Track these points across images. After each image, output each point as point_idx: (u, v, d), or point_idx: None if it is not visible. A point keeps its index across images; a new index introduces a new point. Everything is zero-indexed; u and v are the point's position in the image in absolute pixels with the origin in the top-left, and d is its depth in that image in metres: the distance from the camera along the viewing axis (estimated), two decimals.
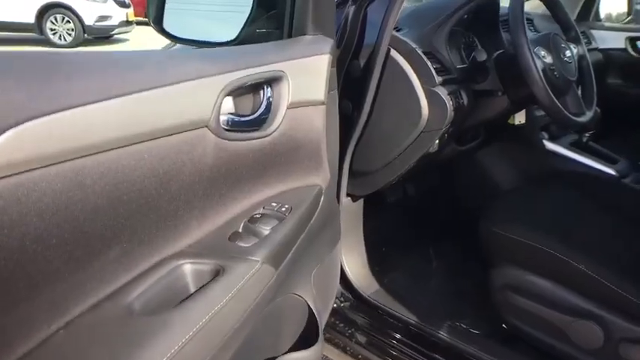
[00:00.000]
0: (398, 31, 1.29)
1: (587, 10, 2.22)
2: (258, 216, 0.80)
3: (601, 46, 2.20)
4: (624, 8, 2.32)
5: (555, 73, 1.28)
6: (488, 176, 1.73)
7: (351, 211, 1.44)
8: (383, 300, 1.43)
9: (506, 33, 1.63)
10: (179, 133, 0.63)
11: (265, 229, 0.78)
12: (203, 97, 0.67)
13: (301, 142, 0.90)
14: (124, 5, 8.58)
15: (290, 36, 0.98)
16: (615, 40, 2.18)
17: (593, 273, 1.10)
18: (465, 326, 1.39)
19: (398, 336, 1.32)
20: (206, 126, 0.67)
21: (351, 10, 1.22)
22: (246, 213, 0.81)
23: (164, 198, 0.62)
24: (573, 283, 1.15)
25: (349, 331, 1.38)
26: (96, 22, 8.08)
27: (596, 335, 1.11)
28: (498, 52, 1.39)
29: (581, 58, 1.43)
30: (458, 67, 1.36)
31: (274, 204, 0.85)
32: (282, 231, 0.79)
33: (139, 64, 0.63)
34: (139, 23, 9.11)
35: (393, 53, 1.22)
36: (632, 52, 2.17)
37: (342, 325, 1.40)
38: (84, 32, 8.05)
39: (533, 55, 1.21)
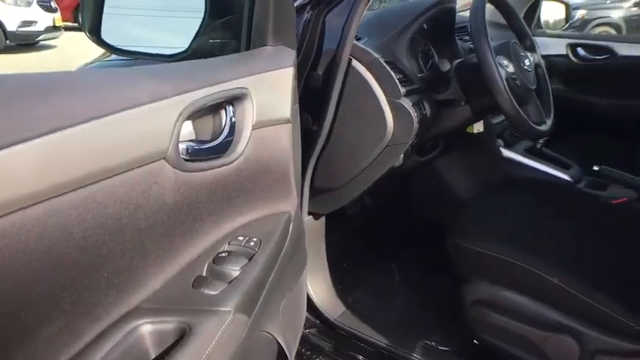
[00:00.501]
0: (358, 39, 1.22)
1: (530, 17, 2.27)
2: (224, 255, 0.70)
3: (544, 53, 2.24)
4: (562, 15, 2.39)
5: (517, 82, 1.26)
6: (447, 185, 1.71)
7: (313, 230, 1.36)
8: (349, 322, 1.36)
9: (462, 41, 1.61)
10: (131, 170, 0.52)
11: (234, 270, 0.68)
12: (159, 124, 0.56)
13: (268, 165, 0.80)
14: (50, 10, 8.02)
15: (248, 47, 0.88)
16: (557, 47, 2.24)
17: (567, 286, 1.09)
18: (434, 344, 1.35)
19: None
20: (164, 158, 0.57)
21: (309, 17, 1.14)
22: (211, 251, 0.71)
23: (116, 250, 0.51)
24: (547, 297, 1.13)
25: (317, 359, 1.30)
26: (19, 27, 7.50)
27: (571, 349, 1.09)
28: (458, 60, 1.36)
29: (537, 66, 1.43)
30: (418, 76, 1.32)
31: (241, 238, 0.75)
32: (253, 271, 0.70)
33: (74, 88, 0.51)
34: (67, 29, 8.56)
35: (355, 63, 1.15)
36: (573, 58, 2.23)
37: (308, 352, 1.31)
38: (6, 39, 7.45)
39: (497, 64, 1.18)
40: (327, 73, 1.14)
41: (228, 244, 0.74)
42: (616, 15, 7.12)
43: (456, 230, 1.30)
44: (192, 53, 0.88)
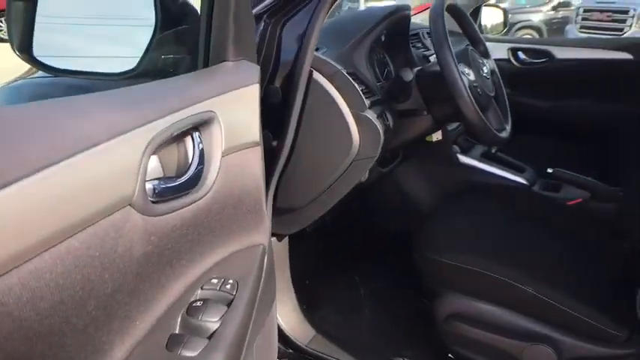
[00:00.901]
0: (316, 50, 1.16)
1: None
2: (198, 304, 0.61)
3: None
4: (501, 20, 2.45)
5: (478, 89, 1.25)
6: (408, 195, 1.69)
7: (277, 252, 1.28)
8: (320, 347, 1.30)
9: (415, 49, 1.59)
10: (91, 225, 0.42)
11: (212, 322, 0.59)
12: (121, 164, 0.47)
13: (240, 195, 0.72)
14: None
15: (207, 64, 0.79)
16: (499, 51, 2.29)
17: (542, 295, 1.08)
18: None
19: None
20: (129, 204, 0.47)
21: (265, 27, 1.06)
22: (183, 300, 0.61)
23: (78, 326, 0.41)
24: (523, 308, 1.11)
25: None
26: None
27: (549, 357, 1.08)
28: (418, 69, 1.33)
29: (492, 72, 1.43)
30: (378, 85, 1.28)
31: (215, 280, 0.66)
32: (234, 320, 0.61)
33: (9, 130, 0.40)
34: None
35: (316, 76, 1.09)
36: (515, 63, 2.29)
37: None
38: None
39: (460, 72, 1.16)
40: (287, 87, 1.07)
41: (201, 288, 0.65)
42: (536, 18, 7.55)
43: (423, 242, 1.27)
44: (142, 71, 0.78)
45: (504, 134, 1.31)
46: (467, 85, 1.16)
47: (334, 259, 1.77)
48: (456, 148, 1.68)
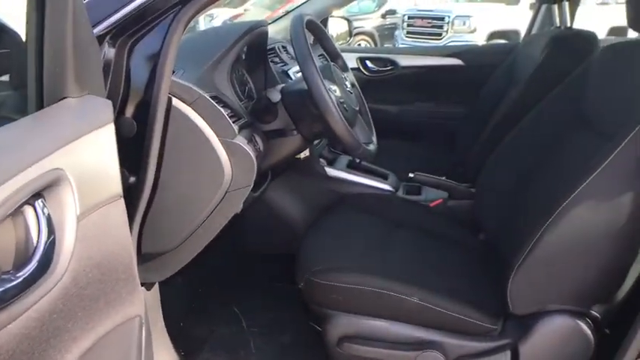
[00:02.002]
0: (172, 74, 1.04)
1: None
2: None
3: None
4: (346, 29, 2.54)
5: (345, 105, 1.24)
6: (280, 215, 1.63)
7: (147, 304, 1.12)
8: None
9: (274, 64, 1.55)
10: None
11: None
12: None
13: (106, 264, 0.59)
14: None
15: (41, 104, 0.63)
16: (348, 61, 2.36)
17: (426, 303, 1.10)
18: None
19: None
20: None
21: (110, 51, 0.90)
22: None
23: None
24: (411, 317, 1.13)
25: None
26: None
27: None
28: (282, 86, 1.28)
29: (353, 85, 1.45)
30: (242, 105, 1.20)
31: None
32: None
33: None
34: None
35: (176, 103, 0.97)
36: (364, 71, 2.39)
37: None
38: None
39: (327, 89, 1.14)
40: (143, 118, 0.93)
41: None
42: (368, 25, 8.12)
43: (303, 266, 1.22)
44: None
45: (372, 147, 1.33)
46: (335, 102, 1.14)
47: (211, 294, 1.65)
48: (322, 161, 1.68)
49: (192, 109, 0.98)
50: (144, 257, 1.04)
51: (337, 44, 2.45)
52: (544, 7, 2.25)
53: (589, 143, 1.15)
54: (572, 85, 1.32)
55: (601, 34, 5.27)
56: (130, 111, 0.93)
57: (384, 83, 2.38)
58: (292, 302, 1.49)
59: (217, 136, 1.00)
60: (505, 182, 1.38)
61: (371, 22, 8.22)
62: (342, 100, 1.23)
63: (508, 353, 1.08)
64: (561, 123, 1.30)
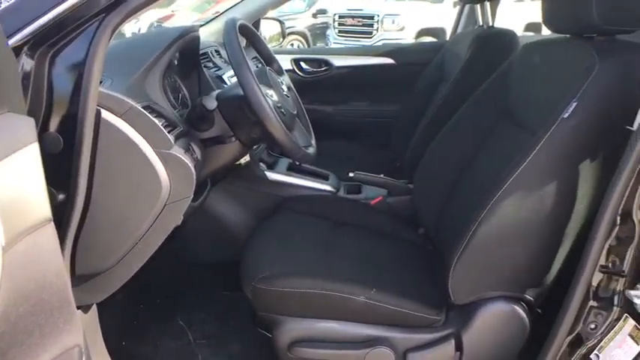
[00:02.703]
0: (100, 84, 0.99)
1: None
2: None
3: None
4: (279, 31, 2.54)
5: (282, 110, 1.24)
6: (222, 222, 1.61)
7: (85, 329, 1.07)
8: None
9: (207, 69, 1.52)
10: None
11: None
12: None
13: (38, 294, 0.55)
14: None
15: None
16: (283, 62, 2.36)
17: (373, 301, 1.13)
18: None
19: None
20: None
21: (28, 63, 0.85)
22: None
23: None
24: (359, 316, 1.15)
25: None
26: None
27: (388, 357, 1.14)
28: (217, 92, 1.25)
29: (289, 89, 1.45)
30: (176, 113, 1.17)
31: None
32: None
33: None
34: None
35: (106, 115, 0.93)
36: (299, 72, 2.40)
37: None
38: None
39: (264, 95, 1.13)
40: (69, 132, 0.88)
41: None
42: (300, 25, 8.15)
43: (249, 273, 1.21)
44: None
45: (312, 150, 1.34)
46: (272, 108, 1.14)
47: (154, 308, 1.59)
48: (263, 165, 1.67)
49: (124, 120, 0.94)
50: (78, 279, 0.99)
51: (271, 46, 2.46)
52: (467, 6, 2.35)
53: (515, 138, 1.22)
54: (496, 83, 1.39)
55: (519, 29, 5.63)
56: (54, 126, 0.88)
57: (318, 84, 2.40)
58: (239, 310, 1.48)
59: (152, 147, 0.96)
60: (440, 177, 1.44)
61: (302, 22, 8.24)
62: (279, 105, 1.23)
63: (452, 341, 1.13)
64: (489, 119, 1.37)
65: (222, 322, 1.53)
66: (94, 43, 0.87)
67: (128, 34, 4.03)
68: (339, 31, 7.29)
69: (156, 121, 0.97)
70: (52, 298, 0.57)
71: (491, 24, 2.02)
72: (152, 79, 1.09)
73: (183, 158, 1.00)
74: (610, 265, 0.98)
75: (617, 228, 0.94)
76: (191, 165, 1.02)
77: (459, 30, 2.41)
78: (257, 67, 1.60)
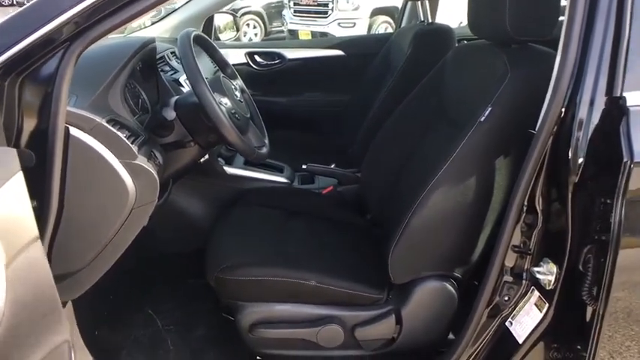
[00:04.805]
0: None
1: (208, 32, 2.39)
2: None
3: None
4: (232, 24, 2.60)
5: (236, 115, 1.35)
6: (185, 215, 1.72)
7: None
8: None
9: (164, 73, 1.60)
10: None
11: None
12: None
13: (34, 302, 0.67)
14: None
15: None
16: (237, 56, 2.45)
17: (323, 284, 1.28)
18: None
19: None
20: None
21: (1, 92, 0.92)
22: None
23: None
24: (311, 299, 1.30)
25: None
26: None
27: (337, 333, 1.30)
28: (175, 99, 1.34)
29: (243, 91, 1.55)
30: (136, 121, 1.26)
31: None
32: None
33: None
34: None
35: (74, 132, 1.01)
36: (253, 65, 2.48)
37: None
38: None
39: (218, 104, 1.23)
40: (40, 150, 0.97)
41: None
42: (256, 4, 8.08)
43: (211, 264, 1.33)
44: None
45: (265, 149, 1.45)
46: (226, 115, 1.24)
47: (123, 299, 1.69)
48: (221, 161, 1.77)
49: (91, 135, 1.03)
50: (55, 279, 1.09)
51: (227, 39, 2.53)
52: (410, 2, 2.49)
53: (447, 133, 1.37)
54: (432, 80, 1.54)
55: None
56: (24, 143, 0.96)
57: (272, 76, 2.50)
58: (204, 296, 1.60)
59: (118, 158, 1.06)
60: (384, 168, 1.58)
61: (259, 1, 8.16)
62: (233, 111, 1.33)
63: (393, 317, 1.29)
64: (427, 113, 1.52)
65: (188, 308, 1.65)
66: (62, 67, 0.95)
67: None
68: (295, 11, 7.27)
69: (120, 134, 1.07)
70: (45, 304, 0.69)
71: (430, 20, 2.17)
72: (114, 92, 1.17)
73: (146, 167, 1.10)
74: (521, 245, 1.16)
75: (523, 215, 1.12)
76: (154, 171, 1.12)
77: (403, 24, 2.55)
78: (214, 70, 1.69)
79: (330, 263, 1.34)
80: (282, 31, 7.64)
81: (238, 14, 7.77)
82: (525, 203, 1.09)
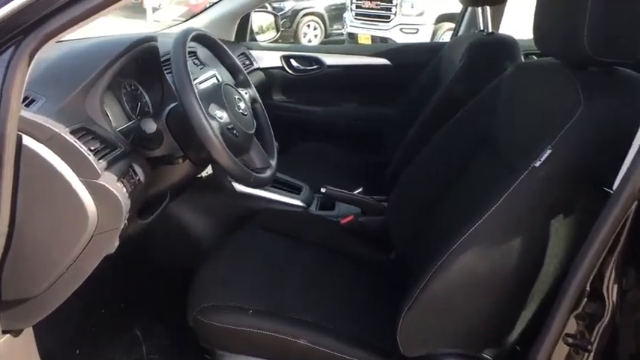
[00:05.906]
0: (30, 104, 0.92)
1: (243, 31, 2.22)
2: None
3: (262, 65, 2.24)
4: (273, 25, 2.41)
5: (235, 131, 1.15)
6: (184, 232, 1.55)
7: (16, 348, 1.02)
8: None
9: (171, 75, 1.43)
10: None
11: None
12: None
13: None
14: None
15: None
16: (272, 59, 2.26)
17: (315, 345, 1.05)
18: None
19: None
20: None
21: None
22: None
23: None
24: (299, 359, 1.08)
25: None
26: None
27: None
28: (170, 108, 1.16)
29: (254, 101, 1.35)
30: (122, 130, 1.09)
31: None
32: None
33: None
34: None
35: (28, 141, 0.86)
36: (288, 70, 2.29)
37: None
38: None
39: (207, 116, 1.04)
40: None
41: None
42: (319, 6, 7.96)
43: (194, 301, 1.14)
44: None
45: (268, 172, 1.25)
46: (216, 132, 1.05)
47: (112, 317, 1.55)
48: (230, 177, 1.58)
49: (47, 147, 0.87)
50: (5, 304, 0.94)
51: (264, 40, 2.35)
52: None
53: (493, 170, 1.11)
54: (484, 101, 1.26)
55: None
56: None
57: (309, 83, 2.30)
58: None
59: (78, 176, 0.89)
60: (415, 200, 1.34)
61: (322, 2, 8.02)
62: (230, 127, 1.13)
63: None
64: (471, 142, 1.25)
65: (179, 338, 1.48)
66: (12, 66, 0.80)
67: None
68: (356, 14, 7.05)
69: (82, 148, 0.90)
70: None
71: (491, 29, 1.88)
72: (93, 96, 1.01)
73: (111, 188, 0.92)
74: (577, 335, 0.87)
75: (584, 301, 0.84)
76: (121, 195, 0.94)
77: (461, 32, 2.27)
78: (218, 80, 1.51)
79: (330, 316, 1.11)
80: (342, 34, 7.44)
81: (300, 15, 7.68)
82: (588, 287, 0.82)
